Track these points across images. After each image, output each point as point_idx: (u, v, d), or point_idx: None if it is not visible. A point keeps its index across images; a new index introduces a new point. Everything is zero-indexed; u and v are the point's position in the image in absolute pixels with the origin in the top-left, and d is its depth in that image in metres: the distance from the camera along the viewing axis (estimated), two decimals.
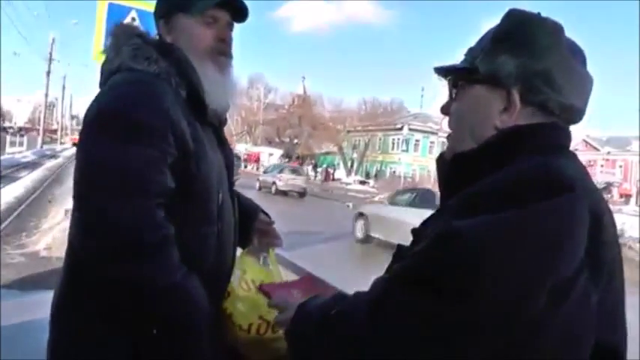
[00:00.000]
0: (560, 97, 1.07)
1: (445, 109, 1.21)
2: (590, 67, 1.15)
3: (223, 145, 1.72)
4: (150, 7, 6.62)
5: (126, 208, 1.35)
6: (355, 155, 65.79)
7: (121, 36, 1.60)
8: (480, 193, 0.99)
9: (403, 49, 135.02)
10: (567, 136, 1.14)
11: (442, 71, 1.22)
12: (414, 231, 1.20)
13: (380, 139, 65.03)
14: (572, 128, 1.15)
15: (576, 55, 1.11)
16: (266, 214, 1.97)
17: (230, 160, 1.74)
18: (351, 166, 65.23)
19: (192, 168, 1.49)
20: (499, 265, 0.89)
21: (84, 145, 1.44)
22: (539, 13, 1.13)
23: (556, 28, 1.10)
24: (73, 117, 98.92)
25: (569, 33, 1.13)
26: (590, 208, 0.95)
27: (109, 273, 1.36)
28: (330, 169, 61.69)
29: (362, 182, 53.38)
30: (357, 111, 70.61)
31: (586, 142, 65.53)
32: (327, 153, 70.04)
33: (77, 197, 1.40)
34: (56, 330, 1.52)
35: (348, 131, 66.47)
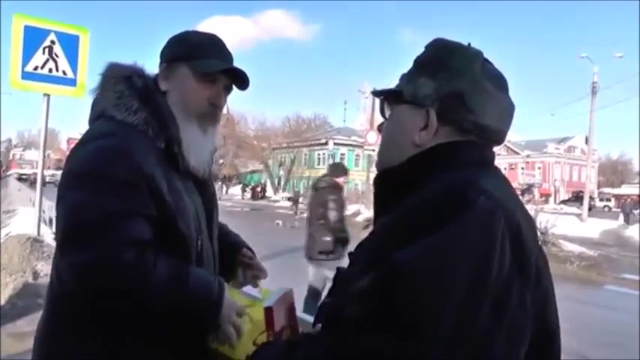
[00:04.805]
0: (473, 117, 1.18)
1: (380, 128, 1.34)
2: (507, 76, 1.26)
3: (204, 192, 1.77)
4: (70, 29, 6.39)
5: (90, 254, 1.41)
6: (282, 172, 66.03)
7: (110, 78, 1.65)
8: (406, 216, 1.07)
9: (324, 64, 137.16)
10: (485, 153, 1.23)
11: (378, 94, 1.35)
12: (351, 255, 1.28)
13: (305, 155, 65.72)
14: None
15: (495, 80, 1.22)
16: (249, 248, 2.04)
17: (211, 206, 1.81)
18: (278, 183, 65.37)
19: (168, 216, 1.54)
20: (438, 294, 0.95)
21: (63, 194, 1.51)
22: (469, 44, 1.25)
23: (473, 55, 1.22)
24: None
25: (483, 45, 1.25)
26: (507, 218, 1.03)
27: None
28: (257, 188, 61.47)
29: (290, 199, 53.35)
30: (281, 128, 71.04)
31: (507, 147, 68.76)
32: (254, 171, 69.90)
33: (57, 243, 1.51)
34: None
35: (274, 149, 66.72)
